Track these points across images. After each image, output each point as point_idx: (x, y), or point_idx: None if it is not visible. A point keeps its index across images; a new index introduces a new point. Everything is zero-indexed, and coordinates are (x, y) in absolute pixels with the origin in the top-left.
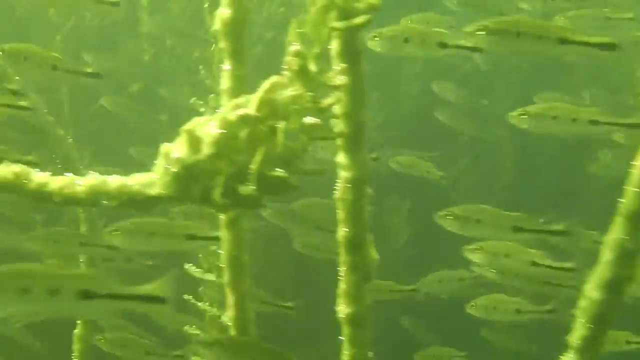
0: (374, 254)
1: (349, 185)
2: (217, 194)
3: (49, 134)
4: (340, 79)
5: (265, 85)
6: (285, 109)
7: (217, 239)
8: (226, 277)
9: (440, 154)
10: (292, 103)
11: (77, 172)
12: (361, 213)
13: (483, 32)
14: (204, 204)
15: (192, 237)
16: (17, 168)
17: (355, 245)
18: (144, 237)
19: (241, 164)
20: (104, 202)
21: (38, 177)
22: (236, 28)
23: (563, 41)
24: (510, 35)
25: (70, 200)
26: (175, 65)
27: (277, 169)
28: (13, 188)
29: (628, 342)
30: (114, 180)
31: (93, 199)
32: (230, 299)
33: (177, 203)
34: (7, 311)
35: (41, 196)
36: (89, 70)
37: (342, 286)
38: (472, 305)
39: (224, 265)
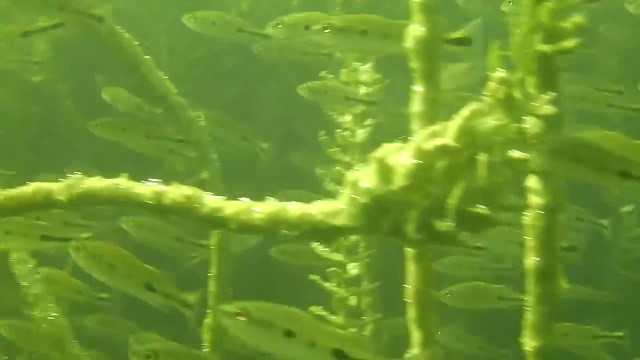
0: (564, 284)
1: (542, 212)
2: (410, 229)
3: (180, 116)
4: (549, 108)
5: (465, 112)
6: (486, 139)
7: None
8: (412, 313)
9: None
10: (496, 134)
11: (207, 157)
12: (554, 241)
13: (328, 30)
14: (395, 237)
15: (47, 238)
16: (189, 191)
17: (546, 275)
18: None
19: (437, 197)
20: (284, 231)
21: (211, 201)
22: (430, 48)
23: None
24: (356, 33)
25: (246, 227)
26: None
27: (477, 205)
28: (184, 212)
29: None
30: (295, 208)
31: (272, 228)
32: (415, 337)
33: (364, 234)
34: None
35: (214, 221)
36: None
37: (530, 317)
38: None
39: (409, 301)
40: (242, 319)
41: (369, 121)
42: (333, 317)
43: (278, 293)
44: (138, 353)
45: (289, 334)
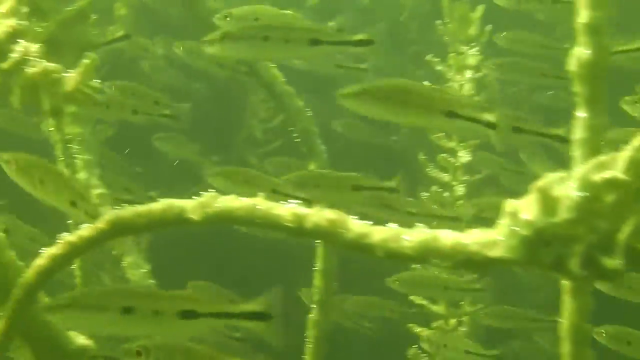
0: None
1: None
2: (574, 264)
3: (287, 105)
4: None
5: (636, 143)
6: None
7: None
8: (565, 348)
9: None
10: None
11: (316, 148)
12: None
13: (227, 40)
14: (556, 271)
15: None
16: (332, 215)
17: None
18: None
19: (605, 231)
20: (435, 260)
21: (357, 226)
22: (596, 72)
23: (314, 42)
24: (257, 40)
25: (395, 255)
26: None
27: None
28: (327, 236)
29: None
30: (448, 237)
31: (422, 256)
32: None
33: (521, 267)
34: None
35: (360, 247)
36: None
37: None
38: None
39: (563, 335)
40: (72, 310)
41: None
42: (434, 307)
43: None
44: (129, 351)
45: (127, 310)
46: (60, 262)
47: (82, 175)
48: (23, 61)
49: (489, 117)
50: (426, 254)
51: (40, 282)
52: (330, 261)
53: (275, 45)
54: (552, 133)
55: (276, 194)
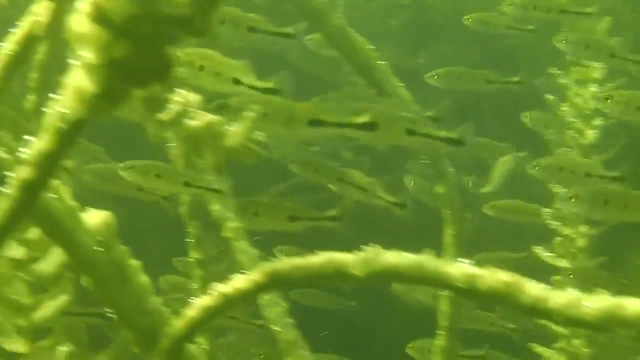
0: None
1: None
2: None
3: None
4: None
5: None
6: None
7: None
8: None
9: None
10: None
11: (443, 170)
12: None
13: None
14: None
15: None
16: (507, 277)
17: None
18: None
19: None
20: (619, 329)
21: (534, 290)
22: None
23: (236, 81)
24: (194, 68)
25: (575, 322)
26: None
27: None
28: (501, 299)
29: None
30: (633, 305)
31: (604, 325)
32: None
33: None
34: None
35: (537, 312)
36: None
37: None
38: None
39: None
40: None
41: (598, 121)
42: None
43: None
44: None
45: None
46: (212, 314)
47: (215, 207)
48: (183, 112)
49: (364, 119)
50: (609, 322)
51: (190, 334)
52: None
53: (207, 75)
54: (445, 136)
55: (189, 186)
